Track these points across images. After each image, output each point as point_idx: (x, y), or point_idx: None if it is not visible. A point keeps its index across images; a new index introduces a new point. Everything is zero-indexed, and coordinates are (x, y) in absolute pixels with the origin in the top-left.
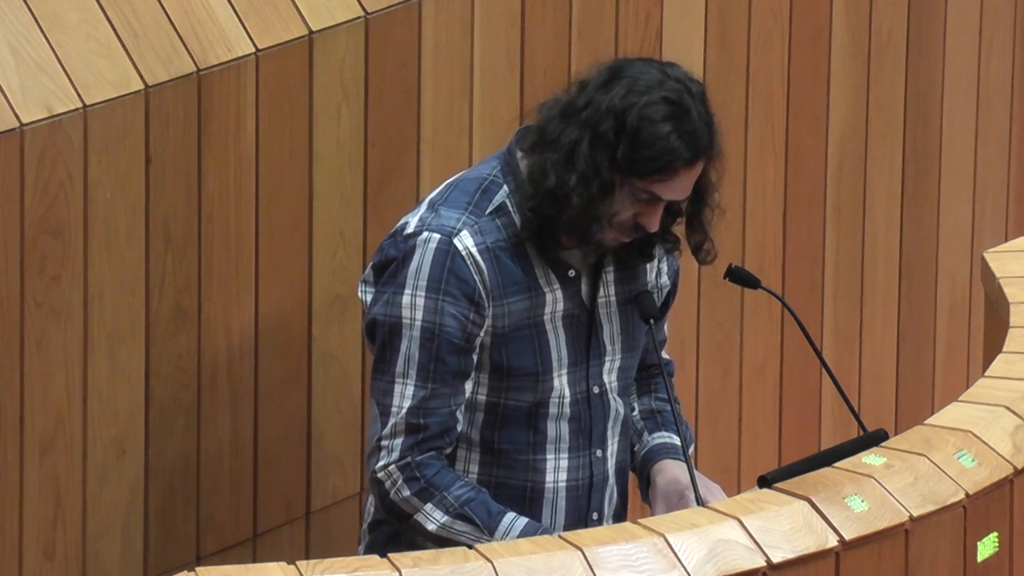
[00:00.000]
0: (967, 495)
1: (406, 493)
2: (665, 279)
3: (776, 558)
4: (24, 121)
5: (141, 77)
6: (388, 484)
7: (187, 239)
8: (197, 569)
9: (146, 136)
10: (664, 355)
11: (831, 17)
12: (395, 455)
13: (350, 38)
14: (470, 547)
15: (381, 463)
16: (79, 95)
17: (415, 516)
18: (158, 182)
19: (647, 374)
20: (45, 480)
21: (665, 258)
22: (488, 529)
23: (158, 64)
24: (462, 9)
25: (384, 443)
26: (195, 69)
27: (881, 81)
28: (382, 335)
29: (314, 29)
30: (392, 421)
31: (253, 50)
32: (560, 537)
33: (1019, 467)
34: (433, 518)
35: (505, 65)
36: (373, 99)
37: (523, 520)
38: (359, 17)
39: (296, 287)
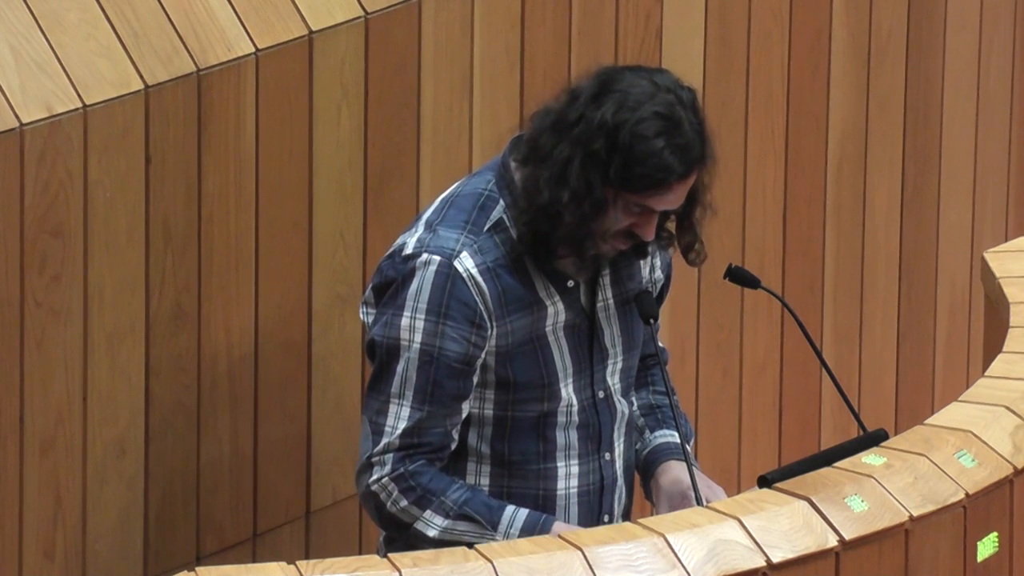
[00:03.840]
0: (967, 495)
1: (404, 503)
2: (659, 273)
3: (776, 558)
4: (24, 121)
5: (141, 77)
6: (383, 496)
7: (187, 239)
8: (197, 569)
9: (146, 136)
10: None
11: (831, 17)
12: (387, 468)
13: (350, 38)
14: (471, 546)
15: (374, 477)
16: (79, 95)
17: (415, 524)
18: (158, 182)
19: (643, 364)
20: (45, 480)
21: (657, 252)
22: (491, 524)
23: (158, 64)
24: (462, 9)
25: (375, 459)
26: (195, 69)
27: (881, 81)
28: (380, 356)
29: (314, 29)
30: (385, 440)
31: (253, 50)
32: (560, 537)
33: (1019, 467)
34: (434, 524)
35: (505, 65)
36: (373, 99)
37: (524, 510)
38: (359, 17)
39: (296, 287)
